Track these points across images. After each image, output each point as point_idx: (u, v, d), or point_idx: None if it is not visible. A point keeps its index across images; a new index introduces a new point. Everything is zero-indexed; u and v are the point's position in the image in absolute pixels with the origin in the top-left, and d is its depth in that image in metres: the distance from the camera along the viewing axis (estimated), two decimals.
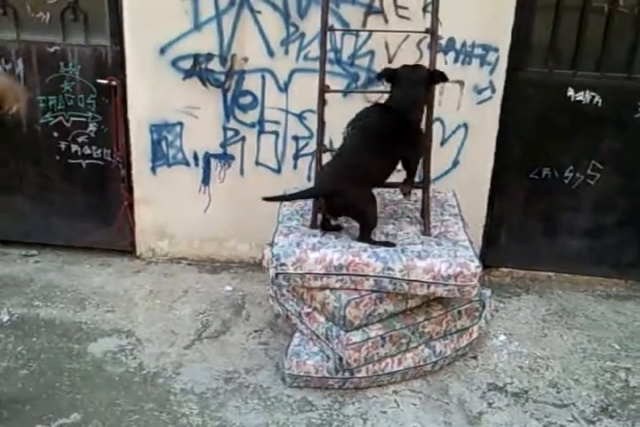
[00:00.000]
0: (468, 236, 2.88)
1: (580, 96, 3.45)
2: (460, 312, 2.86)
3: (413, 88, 2.73)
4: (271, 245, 2.79)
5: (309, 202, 2.96)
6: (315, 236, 2.79)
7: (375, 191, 2.85)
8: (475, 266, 2.63)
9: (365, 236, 2.75)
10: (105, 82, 3.54)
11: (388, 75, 2.80)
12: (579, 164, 3.57)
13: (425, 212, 2.84)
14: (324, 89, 2.85)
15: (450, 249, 2.72)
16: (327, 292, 2.70)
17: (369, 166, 2.68)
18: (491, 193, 3.64)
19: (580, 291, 3.75)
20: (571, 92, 3.44)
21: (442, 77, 2.78)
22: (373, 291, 2.67)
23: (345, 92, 3.06)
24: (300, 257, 2.65)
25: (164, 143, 3.65)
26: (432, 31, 2.80)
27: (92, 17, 3.51)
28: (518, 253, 3.79)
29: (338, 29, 3.25)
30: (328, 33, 3.30)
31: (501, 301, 3.59)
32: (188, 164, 3.69)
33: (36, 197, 3.85)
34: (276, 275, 2.69)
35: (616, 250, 3.71)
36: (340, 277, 2.65)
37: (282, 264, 2.67)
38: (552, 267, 3.81)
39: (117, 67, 3.53)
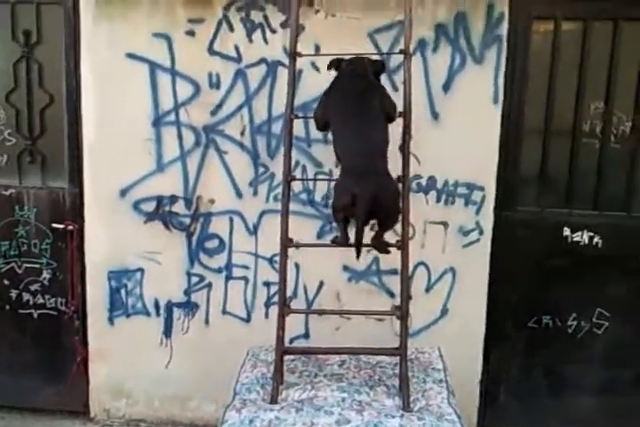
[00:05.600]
0: (455, 408, 2.45)
1: (577, 237, 3.14)
2: None
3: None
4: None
5: (271, 368, 2.57)
6: (272, 410, 2.37)
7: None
8: None
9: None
10: (61, 226, 3.31)
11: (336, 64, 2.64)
12: (583, 311, 3.19)
13: (403, 383, 2.43)
14: (287, 243, 2.55)
15: (433, 424, 2.28)
16: None
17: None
18: (486, 344, 3.24)
19: None
20: (567, 232, 3.15)
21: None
22: None
23: (311, 246, 2.77)
24: None
25: (123, 291, 3.36)
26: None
27: (51, 159, 3.37)
28: (521, 412, 3.30)
29: (299, 179, 3.04)
30: (299, 171, 3.20)
31: None
32: (148, 313, 3.36)
33: None
34: None
35: (636, 410, 3.23)
36: None
37: None
38: None
39: (75, 210, 3.32)
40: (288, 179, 2.64)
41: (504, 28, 3.02)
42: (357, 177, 2.35)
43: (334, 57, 2.65)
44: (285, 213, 2.60)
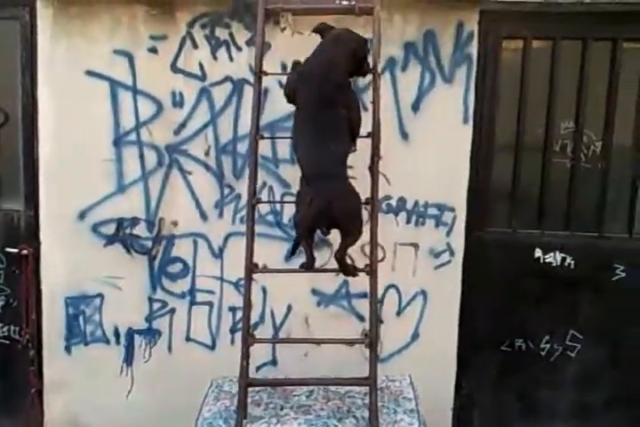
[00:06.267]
0: None
1: (549, 258, 3.09)
2: None
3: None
4: None
5: (235, 401, 2.44)
6: None
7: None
8: None
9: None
10: (16, 251, 3.16)
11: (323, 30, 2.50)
12: (555, 334, 3.13)
13: (372, 415, 2.32)
14: (252, 269, 2.45)
15: None
16: None
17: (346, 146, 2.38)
18: (458, 369, 3.15)
19: None
20: (539, 253, 3.10)
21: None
22: None
23: (277, 272, 2.67)
24: None
25: (81, 318, 3.20)
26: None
27: (5, 180, 3.25)
28: None
29: (265, 202, 2.94)
30: (266, 192, 3.12)
31: None
32: (107, 341, 3.21)
33: None
34: None
35: None
36: None
37: None
38: None
39: (30, 234, 3.18)
40: (253, 202, 2.55)
41: (474, 47, 2.99)
42: (315, 181, 2.29)
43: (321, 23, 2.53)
44: (250, 238, 2.51)
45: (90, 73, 3.08)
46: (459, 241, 3.09)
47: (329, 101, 2.35)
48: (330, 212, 2.24)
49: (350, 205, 2.32)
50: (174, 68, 3.06)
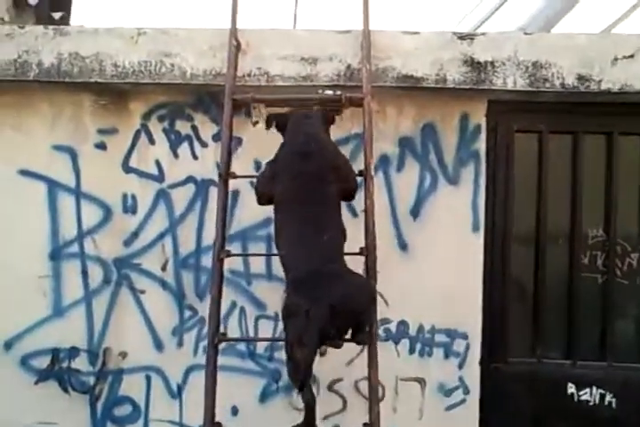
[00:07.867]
0: None
1: (585, 394, 2.58)
2: None
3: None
4: None
5: None
6: None
7: None
8: None
9: None
10: None
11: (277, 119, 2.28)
12: None
13: None
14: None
15: None
16: None
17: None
18: None
19: None
20: (572, 388, 2.59)
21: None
22: None
23: None
24: None
25: None
26: None
27: None
28: None
29: (230, 339, 2.38)
30: (236, 314, 2.59)
31: None
32: None
33: None
34: None
35: None
36: None
37: None
38: None
39: None
40: (215, 341, 2.02)
41: (482, 142, 2.58)
42: (308, 284, 1.88)
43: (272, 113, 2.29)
44: (211, 388, 1.96)
45: (24, 172, 2.66)
46: (474, 375, 2.59)
47: (319, 179, 2.04)
48: (336, 319, 1.82)
49: (363, 301, 1.94)
50: (126, 166, 2.67)
